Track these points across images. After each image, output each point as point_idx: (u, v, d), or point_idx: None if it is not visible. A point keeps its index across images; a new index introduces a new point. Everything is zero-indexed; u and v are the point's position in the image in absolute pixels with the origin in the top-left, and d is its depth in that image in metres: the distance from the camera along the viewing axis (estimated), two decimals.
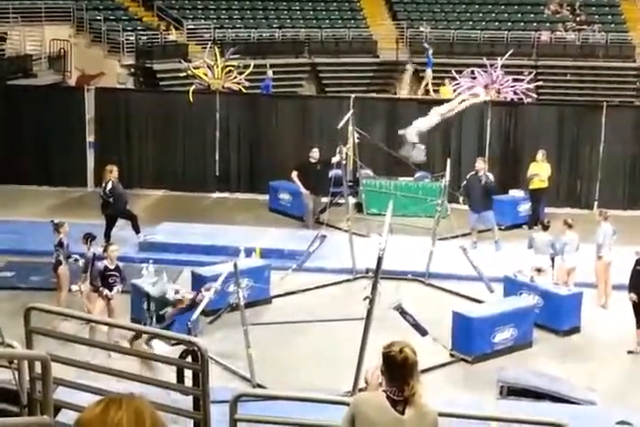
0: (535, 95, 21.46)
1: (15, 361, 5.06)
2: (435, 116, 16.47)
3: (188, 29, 28.52)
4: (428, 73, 28.12)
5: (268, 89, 24.82)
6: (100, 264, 11.50)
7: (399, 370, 4.42)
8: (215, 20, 29.63)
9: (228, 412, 5.66)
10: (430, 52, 28.04)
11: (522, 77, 21.55)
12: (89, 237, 12.16)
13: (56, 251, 12.10)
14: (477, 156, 17.59)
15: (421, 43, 29.14)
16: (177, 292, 11.23)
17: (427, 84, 28.16)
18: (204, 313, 11.67)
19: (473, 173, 15.90)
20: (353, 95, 18.77)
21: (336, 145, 15.41)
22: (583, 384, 10.28)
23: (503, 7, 32.53)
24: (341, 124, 15.36)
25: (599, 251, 13.18)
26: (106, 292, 11.34)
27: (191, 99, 18.96)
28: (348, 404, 5.08)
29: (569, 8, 32.04)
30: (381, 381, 4.60)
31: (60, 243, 12.10)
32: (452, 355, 11.47)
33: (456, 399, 9.43)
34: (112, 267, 11.46)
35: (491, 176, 15.91)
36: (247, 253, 13.26)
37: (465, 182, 15.96)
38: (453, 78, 22.96)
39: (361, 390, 8.54)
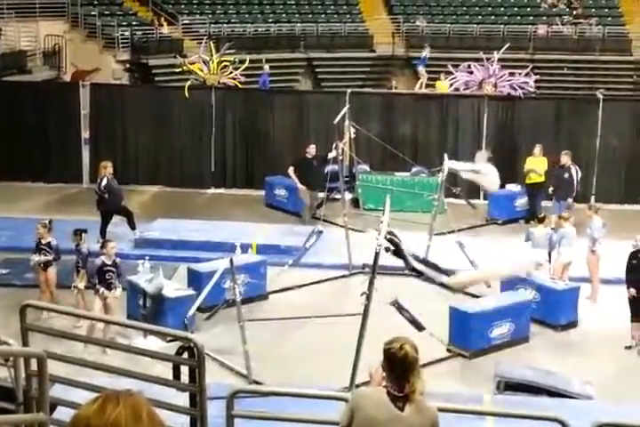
0: (532, 89, 21.43)
1: (11, 358, 5.04)
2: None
3: (183, 24, 28.46)
4: (421, 70, 27.90)
5: (266, 84, 24.77)
6: (97, 260, 11.45)
7: (399, 367, 4.40)
8: (210, 15, 29.58)
9: (225, 408, 5.65)
10: (426, 52, 27.77)
11: (518, 71, 21.54)
12: (81, 232, 12.10)
13: (47, 251, 12.07)
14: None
15: (418, 37, 29.07)
16: None
17: (422, 82, 27.96)
18: (200, 309, 11.67)
19: (560, 166, 16.43)
20: (349, 90, 18.73)
21: (332, 140, 15.38)
22: (580, 379, 10.27)
23: (500, 1, 32.52)
24: (337, 119, 15.32)
25: (594, 245, 13.16)
26: (102, 290, 11.27)
27: (187, 94, 18.92)
28: (344, 399, 5.07)
29: (565, 1, 32.01)
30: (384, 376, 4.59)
31: (49, 244, 12.10)
32: (449, 350, 11.47)
33: (453, 394, 9.41)
34: (109, 262, 11.41)
35: (574, 169, 16.48)
36: (243, 248, 13.24)
37: (554, 174, 16.56)
38: (449, 73, 22.94)
39: (365, 383, 8.53)
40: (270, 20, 30.22)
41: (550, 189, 16.58)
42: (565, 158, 16.49)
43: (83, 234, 12.07)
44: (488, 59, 21.95)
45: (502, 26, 30.22)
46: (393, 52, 29.69)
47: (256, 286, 12.88)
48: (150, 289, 11.68)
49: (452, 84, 22.56)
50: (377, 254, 9.87)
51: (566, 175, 16.41)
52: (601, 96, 21.50)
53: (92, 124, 19.51)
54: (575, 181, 16.39)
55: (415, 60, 28.35)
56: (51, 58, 25.73)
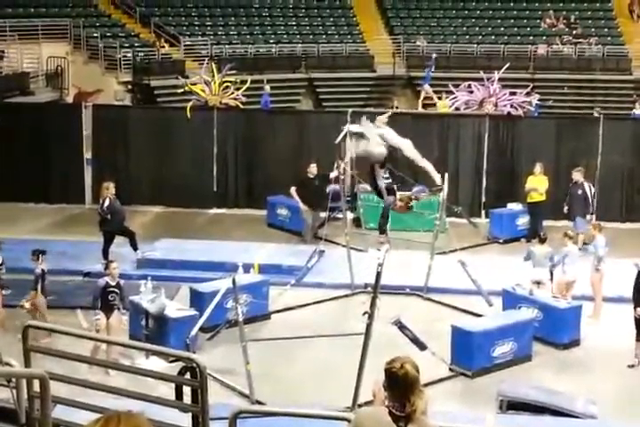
0: (532, 108, 21.49)
1: (13, 379, 5.04)
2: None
3: (184, 46, 28.61)
4: (427, 88, 27.87)
5: (267, 104, 24.87)
6: (101, 281, 11.46)
7: (400, 386, 4.40)
8: (212, 36, 29.73)
9: None
10: (432, 69, 27.78)
11: (519, 91, 21.62)
12: (39, 253, 12.17)
13: None
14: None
15: (426, 56, 29.09)
16: None
17: (425, 99, 27.90)
18: (202, 330, 11.66)
19: (573, 183, 16.60)
20: (350, 110, 18.77)
21: (334, 160, 15.41)
22: (583, 398, 10.24)
23: (499, 21, 32.67)
24: (339, 138, 15.37)
25: (599, 263, 13.15)
26: (96, 317, 11.26)
27: (189, 115, 19.00)
28: (347, 419, 5.07)
29: (565, 21, 32.17)
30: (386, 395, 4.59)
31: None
32: (451, 369, 11.44)
33: (456, 414, 9.39)
34: (113, 284, 11.41)
35: (587, 185, 16.64)
36: (245, 268, 13.25)
37: (568, 192, 16.71)
38: (450, 92, 23.01)
39: (367, 403, 8.52)
40: (271, 41, 30.37)
41: (565, 208, 16.61)
42: (578, 175, 16.62)
43: (40, 255, 12.16)
44: (488, 78, 22.03)
45: (502, 45, 30.36)
46: (394, 71, 29.80)
47: (258, 305, 12.87)
48: (152, 309, 11.68)
49: (452, 104, 22.63)
50: (379, 274, 9.89)
51: (579, 192, 16.48)
52: (597, 114, 21.60)
53: (95, 145, 19.58)
54: (589, 197, 16.48)
55: (419, 80, 28.35)
56: (53, 79, 25.84)
